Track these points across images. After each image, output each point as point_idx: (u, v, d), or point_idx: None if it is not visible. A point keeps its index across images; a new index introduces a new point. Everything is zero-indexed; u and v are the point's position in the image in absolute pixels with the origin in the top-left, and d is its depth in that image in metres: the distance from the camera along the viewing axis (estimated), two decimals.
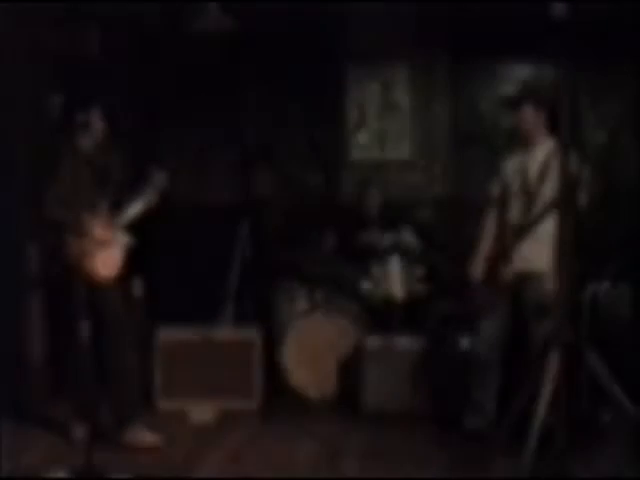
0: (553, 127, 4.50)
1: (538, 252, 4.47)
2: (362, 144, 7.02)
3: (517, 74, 7.09)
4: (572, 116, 3.20)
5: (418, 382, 5.29)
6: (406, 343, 5.40)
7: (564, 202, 3.27)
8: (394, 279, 5.75)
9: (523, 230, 4.49)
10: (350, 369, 5.54)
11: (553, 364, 3.24)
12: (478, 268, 4.72)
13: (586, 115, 6.72)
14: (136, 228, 4.79)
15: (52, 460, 4.47)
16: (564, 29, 3.11)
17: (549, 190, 4.37)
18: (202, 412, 5.29)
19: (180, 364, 5.45)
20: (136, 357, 4.80)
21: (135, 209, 4.75)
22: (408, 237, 6.23)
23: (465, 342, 5.21)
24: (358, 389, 5.39)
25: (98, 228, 4.59)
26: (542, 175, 4.46)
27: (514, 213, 4.59)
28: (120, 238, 4.72)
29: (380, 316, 5.76)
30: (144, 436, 4.70)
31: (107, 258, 4.62)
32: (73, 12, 5.65)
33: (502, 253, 4.60)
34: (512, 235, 4.56)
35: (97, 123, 4.70)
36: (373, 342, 5.42)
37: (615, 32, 6.02)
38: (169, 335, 5.51)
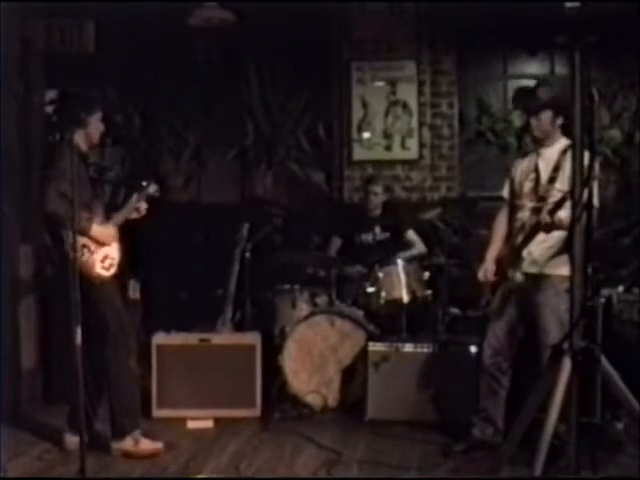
0: (567, 128, 4.38)
1: (548, 255, 4.37)
2: (367, 143, 6.90)
3: (527, 71, 7.01)
4: (585, 115, 3.06)
5: (423, 389, 5.16)
6: (411, 348, 5.27)
7: (577, 204, 3.12)
8: (399, 282, 5.61)
9: (533, 231, 4.35)
10: (353, 375, 5.44)
11: (565, 370, 3.09)
12: (487, 270, 4.57)
13: (601, 114, 6.61)
14: (132, 230, 4.68)
15: (45, 466, 4.41)
16: (577, 26, 2.98)
17: (559, 191, 4.26)
18: (200, 419, 5.17)
19: (177, 370, 5.30)
20: (136, 362, 4.67)
21: (122, 215, 4.63)
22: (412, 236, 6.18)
23: (473, 347, 5.08)
24: (361, 396, 5.27)
25: (97, 227, 4.49)
26: (553, 176, 4.37)
27: (525, 214, 4.47)
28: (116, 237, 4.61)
29: (384, 321, 5.65)
30: (144, 444, 4.58)
31: (105, 257, 4.50)
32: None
33: (511, 255, 4.46)
34: (522, 236, 4.42)
35: (94, 123, 4.58)
36: (377, 347, 5.29)
37: (629, 29, 5.88)
38: (165, 340, 5.36)
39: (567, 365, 3.09)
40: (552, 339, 4.23)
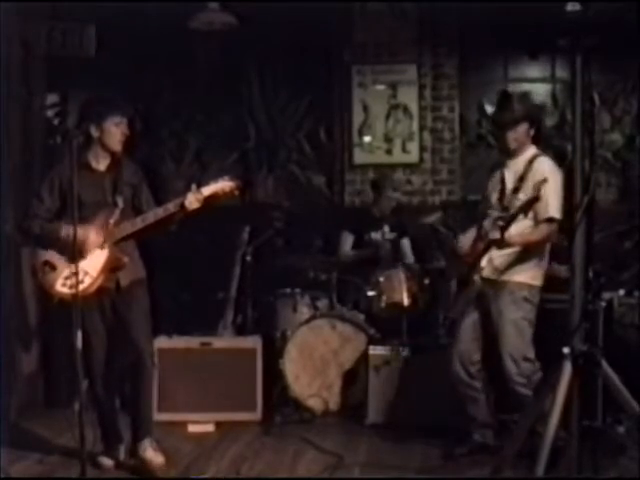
0: (536, 137, 4.50)
1: (508, 261, 4.40)
2: (368, 147, 6.89)
3: (528, 75, 6.99)
4: (586, 119, 3.05)
5: (424, 393, 5.13)
6: (412, 352, 5.27)
7: (578, 208, 3.12)
8: (400, 286, 5.59)
9: (488, 245, 4.37)
10: (354, 379, 5.44)
11: (566, 374, 3.08)
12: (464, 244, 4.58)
13: (602, 117, 6.60)
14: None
15: (46, 469, 4.42)
16: (578, 28, 2.98)
17: (521, 201, 4.28)
18: (201, 423, 5.18)
19: (178, 374, 5.29)
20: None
21: (133, 227, 4.28)
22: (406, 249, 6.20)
23: None
24: (362, 399, 5.27)
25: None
26: (517, 186, 4.40)
27: (487, 223, 4.43)
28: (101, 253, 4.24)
29: (385, 324, 5.63)
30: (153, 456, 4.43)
31: (70, 275, 4.04)
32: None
33: (473, 261, 4.47)
34: (482, 245, 4.43)
35: (108, 130, 4.25)
36: (377, 351, 5.29)
37: (630, 32, 5.87)
38: (166, 343, 5.35)
39: (568, 369, 3.08)
40: (511, 349, 4.33)
